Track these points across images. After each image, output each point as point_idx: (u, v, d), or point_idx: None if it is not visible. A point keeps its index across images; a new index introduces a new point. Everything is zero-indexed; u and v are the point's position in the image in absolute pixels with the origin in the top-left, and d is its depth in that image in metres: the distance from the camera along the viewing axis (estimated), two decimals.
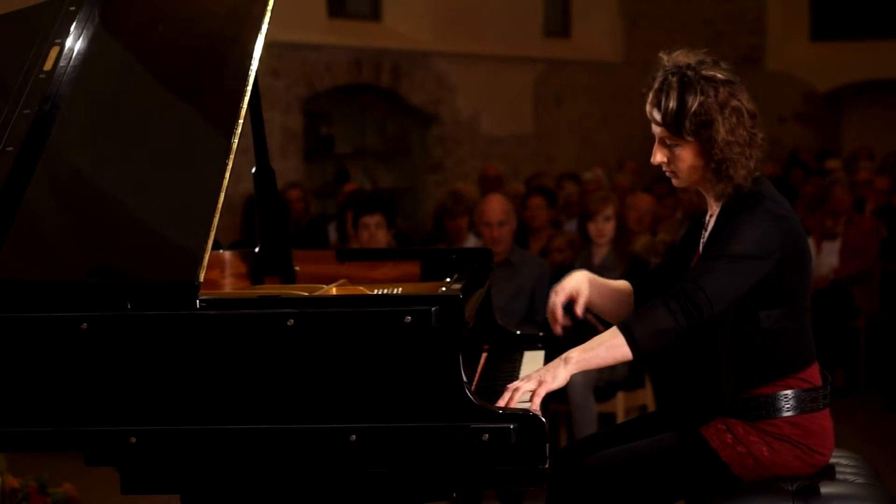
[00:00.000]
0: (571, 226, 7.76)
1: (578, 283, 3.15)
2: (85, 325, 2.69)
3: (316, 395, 2.67)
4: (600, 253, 6.08)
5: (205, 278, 2.72)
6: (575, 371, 2.87)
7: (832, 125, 14.41)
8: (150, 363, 2.69)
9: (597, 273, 3.30)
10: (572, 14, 13.68)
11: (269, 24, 3.10)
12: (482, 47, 12.06)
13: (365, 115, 11.90)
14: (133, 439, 2.69)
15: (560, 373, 2.84)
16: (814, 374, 3.00)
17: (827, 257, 8.08)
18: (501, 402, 2.78)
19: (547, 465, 2.67)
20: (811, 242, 8.04)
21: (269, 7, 3.12)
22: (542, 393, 2.80)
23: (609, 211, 6.13)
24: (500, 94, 12.40)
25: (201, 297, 2.70)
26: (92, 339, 2.70)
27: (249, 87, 2.99)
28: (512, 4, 12.52)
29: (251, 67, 3.01)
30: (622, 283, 3.26)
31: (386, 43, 11.32)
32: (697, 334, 2.90)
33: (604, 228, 6.07)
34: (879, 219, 8.43)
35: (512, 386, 2.83)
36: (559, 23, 13.57)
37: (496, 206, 5.97)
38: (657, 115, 2.94)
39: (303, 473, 2.73)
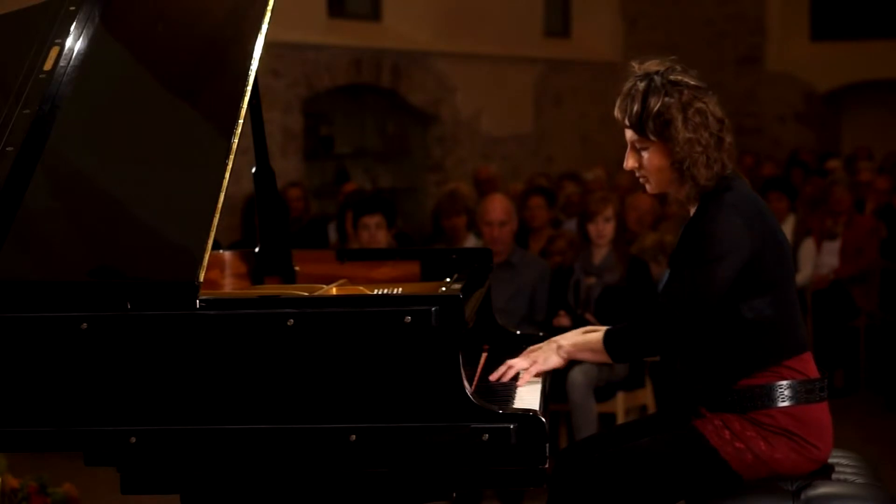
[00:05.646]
0: (571, 226, 7.75)
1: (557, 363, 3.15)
2: (85, 325, 2.69)
3: (316, 396, 2.67)
4: (600, 253, 6.07)
5: (205, 278, 2.72)
6: (565, 358, 3.09)
7: (832, 125, 14.40)
8: (150, 363, 2.69)
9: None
10: (572, 14, 13.67)
11: (269, 24, 3.10)
12: (482, 47, 12.05)
13: (365, 115, 11.90)
14: (133, 439, 2.69)
15: (552, 358, 3.08)
16: (809, 365, 3.01)
17: (827, 257, 8.08)
18: (494, 376, 3.06)
19: (547, 465, 2.67)
20: (811, 242, 8.04)
21: (269, 7, 3.12)
22: (532, 372, 3.07)
23: (609, 212, 6.12)
24: (500, 94, 12.39)
25: (201, 297, 2.69)
26: (92, 339, 2.70)
27: (249, 87, 2.99)
28: (512, 4, 12.51)
29: (251, 67, 3.01)
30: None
31: (386, 43, 11.32)
32: (683, 339, 2.98)
33: (604, 229, 6.06)
34: (879, 219, 8.43)
35: (507, 363, 3.10)
36: (559, 23, 13.57)
37: (498, 206, 5.97)
38: (623, 118, 3.02)
39: (303, 473, 2.73)
